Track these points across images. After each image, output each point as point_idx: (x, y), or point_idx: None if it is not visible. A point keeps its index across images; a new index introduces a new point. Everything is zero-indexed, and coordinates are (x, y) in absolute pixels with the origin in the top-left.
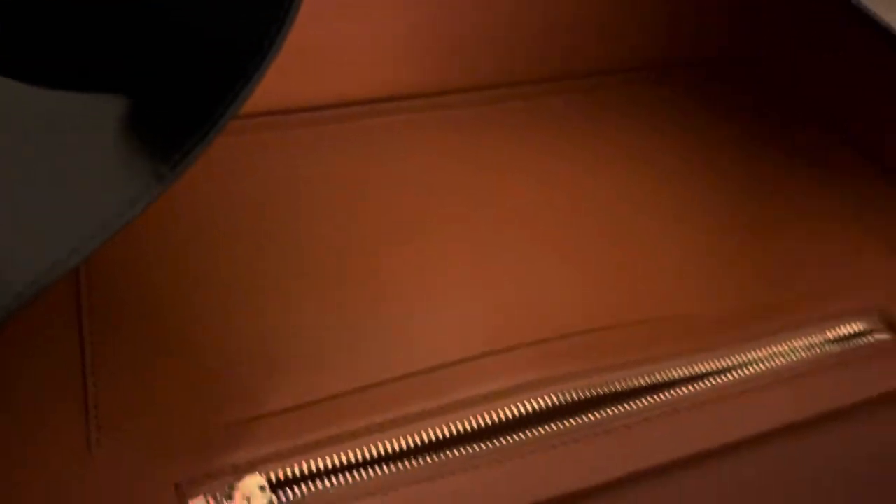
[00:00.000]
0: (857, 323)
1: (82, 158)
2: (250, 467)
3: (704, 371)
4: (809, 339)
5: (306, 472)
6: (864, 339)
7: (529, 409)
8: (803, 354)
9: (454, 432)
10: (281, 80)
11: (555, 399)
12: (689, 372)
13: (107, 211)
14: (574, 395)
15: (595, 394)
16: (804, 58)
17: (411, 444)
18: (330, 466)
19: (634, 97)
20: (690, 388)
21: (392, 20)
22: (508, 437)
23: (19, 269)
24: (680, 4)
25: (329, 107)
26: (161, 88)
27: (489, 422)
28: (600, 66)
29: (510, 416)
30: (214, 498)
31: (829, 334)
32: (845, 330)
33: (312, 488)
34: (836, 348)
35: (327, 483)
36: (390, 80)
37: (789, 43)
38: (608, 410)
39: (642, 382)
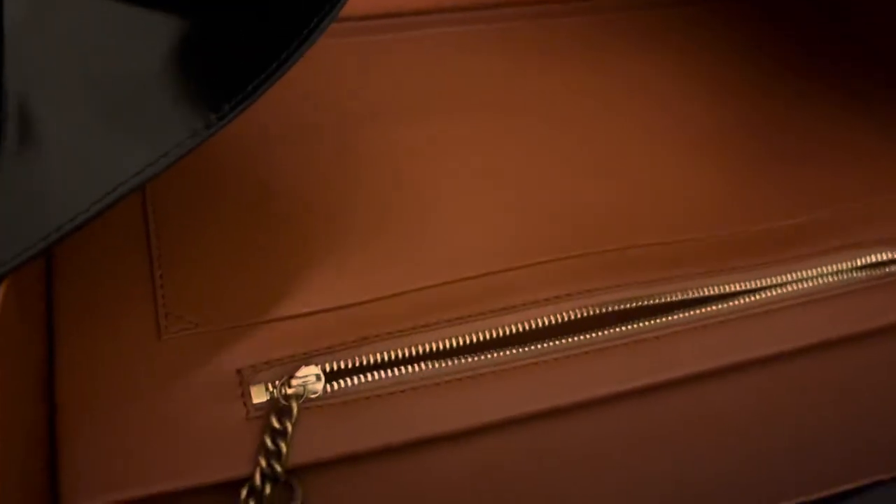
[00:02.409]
0: (886, 252)
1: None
2: (307, 358)
3: (734, 290)
4: (838, 265)
5: (357, 364)
6: (891, 268)
7: (562, 318)
8: (831, 279)
9: (490, 335)
10: None
11: (587, 311)
12: (719, 290)
13: (172, 138)
14: (605, 308)
15: (626, 307)
16: None
17: (450, 345)
18: (377, 361)
19: (657, 20)
20: (720, 305)
21: None
22: (541, 344)
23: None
24: None
25: (383, 16)
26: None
27: (523, 328)
28: None
29: (543, 323)
30: (273, 384)
31: (858, 261)
32: (873, 258)
33: (362, 379)
34: (862, 274)
35: (375, 375)
36: None
37: None
38: (638, 323)
39: (672, 298)
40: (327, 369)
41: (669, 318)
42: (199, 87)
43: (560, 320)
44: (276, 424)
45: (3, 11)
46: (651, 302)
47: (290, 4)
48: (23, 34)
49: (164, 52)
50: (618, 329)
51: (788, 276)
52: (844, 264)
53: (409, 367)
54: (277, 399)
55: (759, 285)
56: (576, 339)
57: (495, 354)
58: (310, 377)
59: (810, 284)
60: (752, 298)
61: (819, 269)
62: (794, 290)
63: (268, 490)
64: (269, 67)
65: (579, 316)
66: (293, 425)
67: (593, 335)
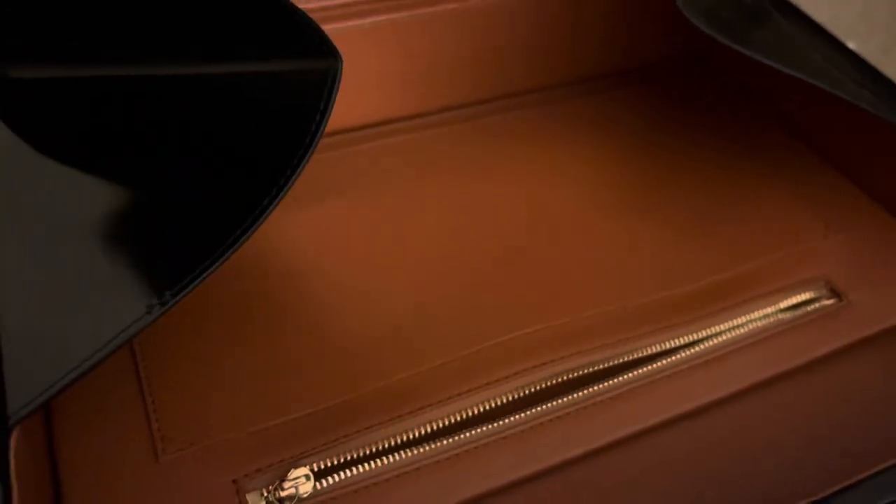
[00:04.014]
0: (806, 292)
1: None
2: (295, 460)
3: (676, 345)
4: (765, 309)
5: (341, 461)
6: (813, 306)
7: (521, 393)
8: (760, 323)
9: (458, 418)
10: None
11: (544, 384)
12: (661, 347)
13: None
14: (557, 379)
15: (578, 375)
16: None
17: (422, 432)
18: (360, 455)
19: (589, 106)
20: (665, 361)
21: (377, 53)
22: (505, 420)
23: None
24: (625, 16)
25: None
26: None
27: (487, 407)
28: (559, 79)
29: (504, 400)
30: (267, 489)
31: (782, 304)
32: (795, 299)
33: (348, 474)
34: (788, 315)
35: (359, 469)
36: (382, 105)
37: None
38: (591, 388)
39: (620, 361)
40: (315, 469)
41: (619, 378)
42: (143, 272)
43: (520, 395)
44: None
45: None
46: (600, 367)
47: (236, 188)
48: None
49: (114, 237)
50: (573, 396)
51: (722, 325)
52: (770, 308)
53: (390, 457)
54: (272, 503)
55: (697, 337)
56: (537, 409)
57: (466, 434)
58: (300, 478)
59: (743, 330)
60: (693, 350)
61: (748, 316)
62: (729, 338)
63: None
64: (216, 252)
65: (538, 389)
66: None
67: (553, 403)
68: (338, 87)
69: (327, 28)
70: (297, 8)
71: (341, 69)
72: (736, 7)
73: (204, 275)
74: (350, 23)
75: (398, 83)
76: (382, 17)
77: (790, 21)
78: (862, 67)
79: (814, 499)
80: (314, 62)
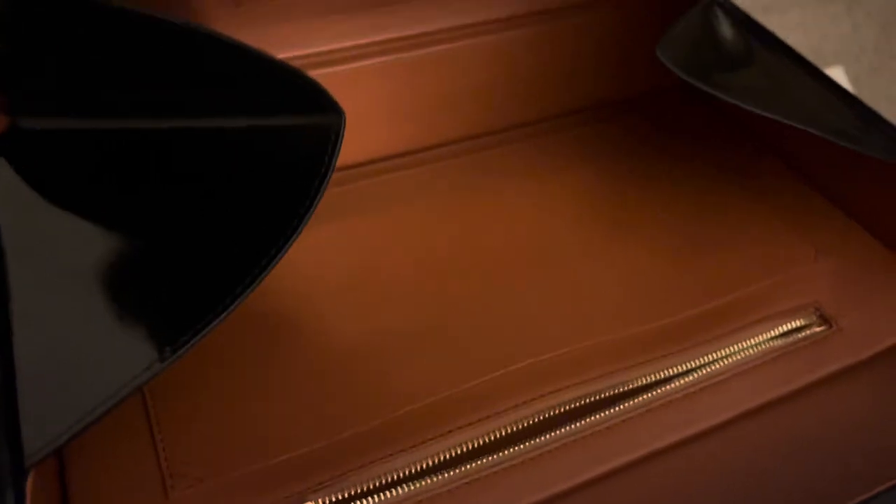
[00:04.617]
0: (797, 319)
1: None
2: (303, 495)
3: (669, 375)
4: (757, 337)
5: (348, 494)
6: (804, 332)
7: (524, 424)
8: (752, 351)
9: (462, 450)
10: None
11: (545, 414)
12: (655, 377)
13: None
14: (558, 410)
15: (578, 405)
16: None
17: (426, 465)
18: (367, 489)
19: (579, 138)
20: (659, 390)
21: (374, 89)
22: (510, 449)
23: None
24: (615, 47)
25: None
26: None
27: (493, 437)
28: (550, 112)
29: (507, 431)
30: None
31: (773, 332)
32: (787, 326)
33: None
34: (779, 343)
35: (367, 502)
36: (374, 144)
37: None
38: (591, 417)
39: (618, 391)
40: (328, 501)
41: (614, 409)
42: (154, 319)
43: (521, 427)
44: None
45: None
46: (595, 398)
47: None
48: None
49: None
50: (569, 427)
51: (715, 354)
52: (762, 336)
53: (396, 490)
54: None
55: (691, 367)
56: (537, 440)
57: (471, 465)
58: None
59: (736, 358)
60: (687, 379)
61: (741, 345)
62: (722, 367)
63: None
64: (225, 300)
65: (537, 420)
66: None
67: (551, 434)
68: (342, 141)
69: (316, 73)
70: (299, 70)
71: (344, 124)
72: (714, 49)
73: (213, 323)
74: (338, 68)
75: (388, 123)
76: (370, 62)
77: (773, 54)
78: (848, 100)
79: None
80: (319, 118)
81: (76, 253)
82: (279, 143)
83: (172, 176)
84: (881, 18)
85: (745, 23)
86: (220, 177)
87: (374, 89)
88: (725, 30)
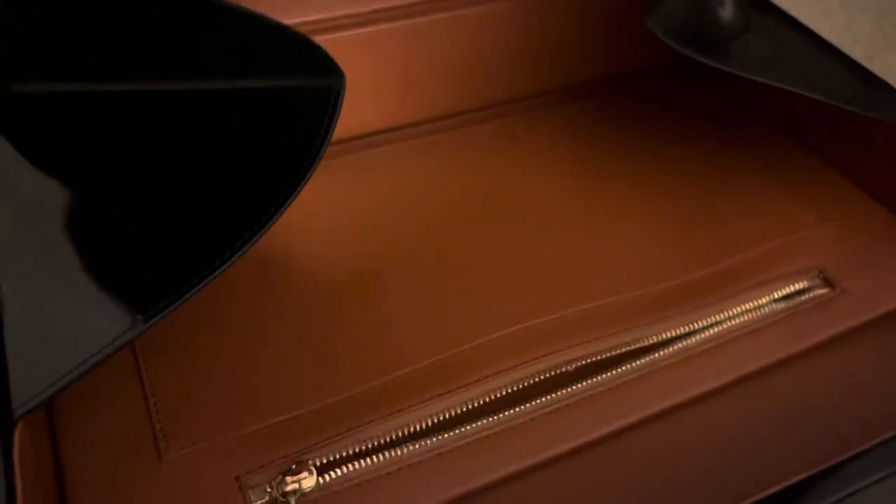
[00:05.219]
0: (800, 282)
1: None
2: (297, 455)
3: (673, 336)
4: (759, 300)
5: (343, 455)
6: (807, 295)
7: (523, 385)
8: (756, 313)
9: (458, 411)
10: None
11: (544, 375)
12: (657, 339)
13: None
14: (560, 370)
15: (579, 365)
16: None
17: (422, 426)
18: (361, 450)
19: (579, 111)
20: (661, 351)
21: (362, 60)
22: (508, 411)
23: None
24: (615, 22)
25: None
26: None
27: (488, 399)
28: (551, 85)
29: (505, 392)
30: (270, 485)
31: (776, 294)
32: (790, 288)
33: (350, 468)
34: (782, 305)
35: (360, 464)
36: (371, 116)
37: None
38: (593, 378)
39: (620, 351)
40: (318, 464)
41: (617, 370)
42: (148, 275)
43: (521, 387)
44: None
45: None
46: (597, 358)
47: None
48: None
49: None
50: (571, 388)
51: (717, 316)
52: (765, 298)
53: (391, 452)
54: (276, 498)
55: (693, 328)
56: (539, 401)
57: (467, 427)
58: (303, 473)
59: (739, 320)
60: (690, 341)
61: (744, 306)
62: (725, 328)
63: None
64: (219, 258)
65: (538, 380)
66: None
67: (553, 395)
68: (342, 102)
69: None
70: (299, 32)
71: (345, 85)
72: (707, 19)
73: (205, 281)
74: (324, 36)
75: (387, 94)
76: (357, 31)
77: (770, 20)
78: (847, 63)
79: (814, 471)
80: (319, 80)
81: (62, 214)
82: (279, 105)
83: (166, 138)
84: (875, 11)
85: None
86: (217, 139)
87: (362, 61)
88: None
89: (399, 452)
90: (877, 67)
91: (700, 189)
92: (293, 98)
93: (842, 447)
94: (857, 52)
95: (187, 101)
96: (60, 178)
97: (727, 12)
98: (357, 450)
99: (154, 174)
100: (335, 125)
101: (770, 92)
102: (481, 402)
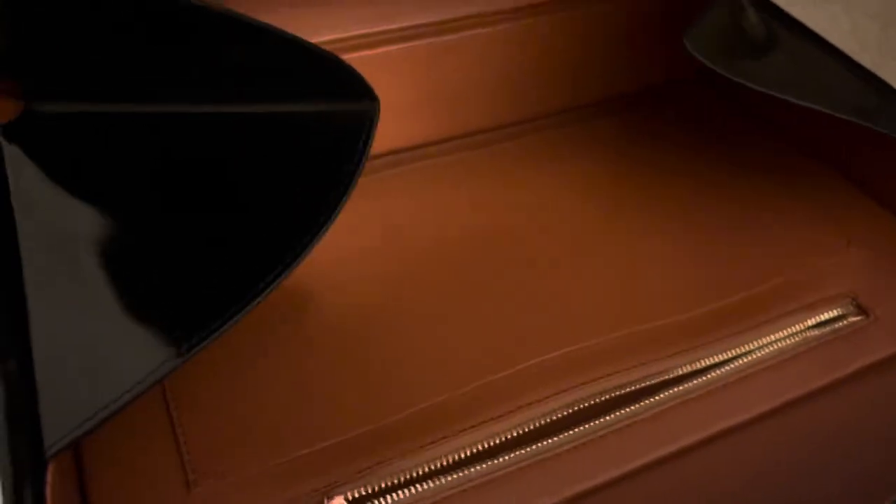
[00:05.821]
0: (833, 309)
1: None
2: (329, 489)
3: (706, 365)
4: (793, 327)
5: (376, 489)
6: (841, 322)
7: (558, 416)
8: (789, 341)
9: (492, 443)
10: None
11: (579, 405)
12: (691, 368)
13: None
14: (594, 400)
15: (613, 396)
16: None
17: (456, 458)
18: (393, 483)
19: (597, 130)
20: (695, 381)
21: (392, 78)
22: (543, 442)
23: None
24: (636, 40)
25: None
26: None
27: (523, 430)
28: (571, 103)
29: (540, 424)
30: None
31: (810, 321)
32: (823, 316)
33: (381, 502)
34: (816, 332)
35: (394, 497)
36: (394, 134)
37: None
38: (627, 408)
39: (653, 382)
40: (350, 497)
41: (650, 400)
42: (176, 313)
43: (556, 418)
44: None
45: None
46: (630, 389)
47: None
48: None
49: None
50: (605, 418)
51: (750, 344)
52: (798, 326)
53: (422, 485)
54: None
55: (727, 357)
56: (571, 432)
57: (503, 458)
58: None
59: (772, 349)
60: (723, 370)
61: (777, 335)
62: (758, 357)
63: None
64: (252, 291)
65: (573, 410)
66: None
67: (586, 426)
68: (376, 127)
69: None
70: (335, 55)
71: (378, 111)
72: (739, 38)
73: (236, 317)
74: (354, 55)
75: (405, 114)
76: (389, 49)
77: (799, 41)
78: (880, 86)
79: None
80: (354, 104)
81: (95, 243)
82: (314, 130)
83: (200, 163)
84: (881, 18)
85: (768, 9)
86: (251, 163)
87: (392, 78)
88: (751, 17)
89: (430, 486)
90: (886, 74)
91: (729, 212)
92: (328, 123)
93: (881, 480)
94: (864, 60)
95: (223, 126)
96: (95, 205)
97: (756, 32)
98: (388, 483)
99: (189, 200)
100: (370, 150)
101: (797, 116)
102: (512, 436)
